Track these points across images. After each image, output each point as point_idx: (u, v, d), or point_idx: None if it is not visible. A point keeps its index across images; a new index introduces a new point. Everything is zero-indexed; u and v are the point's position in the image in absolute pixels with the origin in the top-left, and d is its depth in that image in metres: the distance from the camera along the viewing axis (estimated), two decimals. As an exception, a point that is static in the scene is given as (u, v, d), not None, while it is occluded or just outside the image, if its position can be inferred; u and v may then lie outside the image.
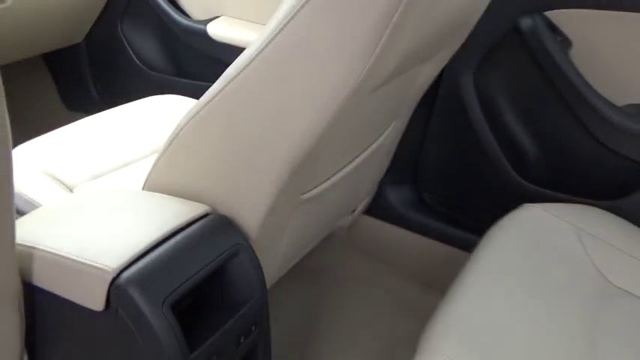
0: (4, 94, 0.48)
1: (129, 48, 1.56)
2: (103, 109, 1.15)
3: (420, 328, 0.77)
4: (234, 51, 1.39)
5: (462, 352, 0.69)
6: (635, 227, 1.02)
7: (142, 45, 1.57)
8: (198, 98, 1.25)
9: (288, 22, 0.60)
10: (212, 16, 1.45)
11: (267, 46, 0.62)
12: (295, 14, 0.60)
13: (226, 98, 0.67)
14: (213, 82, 1.67)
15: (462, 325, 0.73)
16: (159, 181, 0.77)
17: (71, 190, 0.91)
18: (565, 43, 1.07)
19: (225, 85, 0.66)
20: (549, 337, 0.75)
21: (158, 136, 1.06)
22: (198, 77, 1.52)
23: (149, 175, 0.78)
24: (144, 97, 1.24)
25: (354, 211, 1.19)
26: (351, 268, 1.34)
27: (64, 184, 0.91)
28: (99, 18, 1.57)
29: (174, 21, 1.45)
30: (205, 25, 1.40)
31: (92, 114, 1.13)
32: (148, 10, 1.50)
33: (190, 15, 1.48)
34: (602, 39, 1.04)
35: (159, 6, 1.46)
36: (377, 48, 0.59)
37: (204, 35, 1.40)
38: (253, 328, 0.71)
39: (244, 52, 0.66)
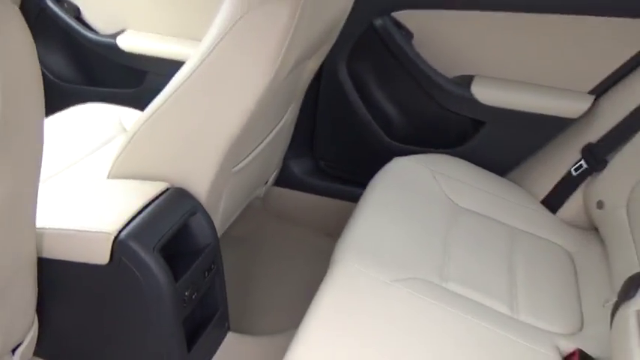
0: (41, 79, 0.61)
1: (39, 63, 1.65)
2: None
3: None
4: (142, 59, 1.54)
5: (359, 257, 0.97)
6: (471, 165, 1.35)
7: (52, 59, 1.65)
8: (114, 103, 1.41)
9: (219, 42, 0.82)
10: (117, 30, 1.57)
11: (206, 58, 0.83)
12: (225, 35, 0.81)
13: (175, 101, 0.89)
14: (125, 89, 1.82)
15: (358, 242, 1.01)
16: (122, 170, 0.98)
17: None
18: (408, 35, 1.33)
19: (174, 92, 0.88)
20: (417, 245, 1.04)
21: (90, 140, 1.20)
22: (110, 85, 1.63)
23: (112, 167, 0.99)
24: (60, 108, 1.32)
25: (266, 182, 1.43)
26: (269, 230, 1.56)
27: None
28: None
29: (83, 37, 1.56)
30: (114, 38, 1.53)
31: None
32: (55, 27, 1.59)
33: (96, 29, 1.59)
34: (434, 30, 1.31)
35: (67, 24, 1.56)
36: (281, 52, 0.82)
37: (114, 48, 1.53)
38: (212, 265, 0.96)
39: (185, 64, 0.87)
